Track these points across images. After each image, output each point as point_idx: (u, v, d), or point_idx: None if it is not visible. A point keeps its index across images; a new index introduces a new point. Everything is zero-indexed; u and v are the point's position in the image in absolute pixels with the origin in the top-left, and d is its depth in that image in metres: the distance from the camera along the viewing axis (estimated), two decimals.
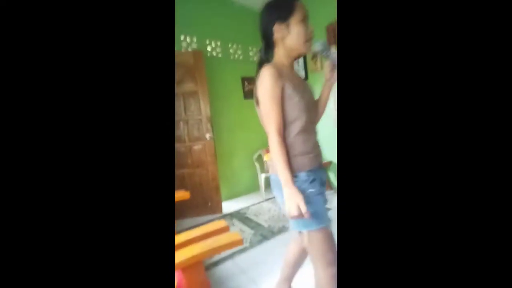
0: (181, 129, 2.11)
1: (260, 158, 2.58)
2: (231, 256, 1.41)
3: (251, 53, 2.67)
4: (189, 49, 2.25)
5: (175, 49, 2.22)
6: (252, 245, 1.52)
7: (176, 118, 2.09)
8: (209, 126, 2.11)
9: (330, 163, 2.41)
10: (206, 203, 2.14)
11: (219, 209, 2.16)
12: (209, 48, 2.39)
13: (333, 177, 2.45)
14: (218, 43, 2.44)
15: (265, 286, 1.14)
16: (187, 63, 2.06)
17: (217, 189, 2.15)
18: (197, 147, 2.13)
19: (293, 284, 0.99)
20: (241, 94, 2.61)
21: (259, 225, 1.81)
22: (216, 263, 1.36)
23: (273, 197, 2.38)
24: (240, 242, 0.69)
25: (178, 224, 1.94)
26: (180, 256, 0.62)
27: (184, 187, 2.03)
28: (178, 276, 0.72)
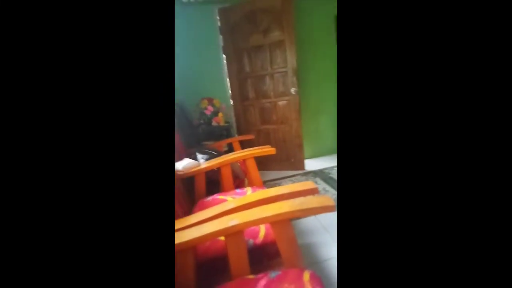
0: (266, 84, 2.08)
1: None
2: None
3: None
4: None
5: None
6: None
7: (262, 72, 2.05)
8: (295, 79, 1.95)
9: None
10: (289, 159, 2.18)
11: (302, 166, 2.16)
12: None
13: None
14: None
15: None
16: (274, 8, 1.86)
17: (300, 146, 2.11)
18: (282, 102, 2.07)
19: None
20: (333, 38, 2.19)
21: None
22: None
23: None
24: (332, 208, 0.63)
25: (261, 174, 2.12)
26: (269, 210, 0.63)
27: (268, 142, 2.10)
28: (266, 229, 0.77)
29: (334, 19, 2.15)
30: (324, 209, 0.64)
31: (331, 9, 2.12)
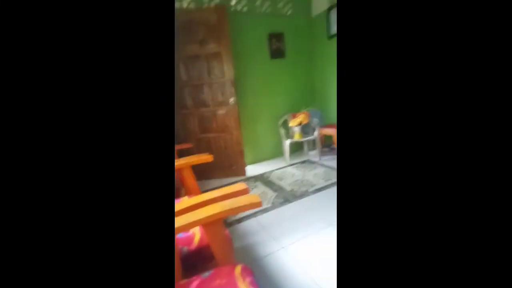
0: (205, 94, 2.11)
1: (285, 124, 2.52)
2: (254, 214, 1.50)
3: (280, 5, 2.38)
4: (211, 4, 2.08)
5: (196, 5, 2.08)
6: (274, 206, 1.59)
7: (200, 81, 2.07)
8: (233, 90, 2.05)
9: None
10: (231, 166, 2.23)
11: (243, 172, 2.25)
12: (232, 2, 2.18)
13: None
14: None
15: (284, 242, 1.21)
16: (209, 21, 1.93)
17: (241, 153, 2.20)
18: (221, 111, 2.13)
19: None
20: (267, 53, 2.43)
21: (281, 188, 1.85)
22: (240, 220, 1.46)
23: (298, 163, 2.38)
24: (259, 204, 0.70)
25: (204, 184, 2.10)
26: (202, 213, 0.66)
27: (210, 150, 2.11)
28: (201, 234, 0.79)
29: (267, 35, 2.39)
30: (252, 206, 0.70)
31: (264, 26, 2.35)
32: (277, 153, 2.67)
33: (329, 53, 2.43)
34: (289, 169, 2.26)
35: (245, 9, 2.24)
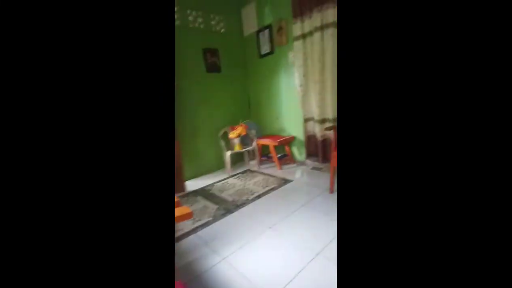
0: None
1: (225, 136, 2.56)
2: (194, 230, 1.44)
3: (213, 22, 2.49)
4: None
5: None
6: (215, 219, 1.57)
7: None
8: None
9: (293, 138, 2.52)
10: None
11: (182, 188, 2.14)
12: None
13: (296, 152, 2.58)
14: (175, 9, 2.20)
15: (225, 253, 1.21)
16: None
17: (179, 168, 2.10)
18: None
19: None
20: (204, 67, 2.46)
21: (223, 200, 1.85)
22: (180, 238, 1.38)
23: (239, 173, 2.44)
24: (189, 215, 0.70)
25: None
26: None
27: None
28: None
29: (202, 51, 2.43)
30: (183, 218, 0.69)
31: (199, 42, 2.39)
32: (219, 165, 2.67)
33: (262, 70, 2.66)
34: (231, 180, 2.29)
35: (177, 22, 2.24)
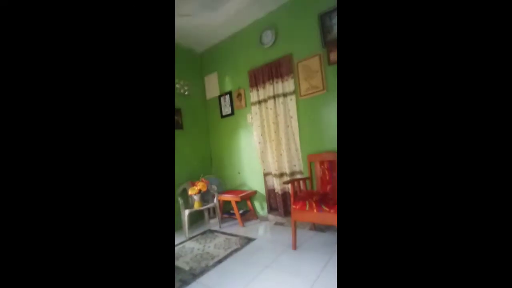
0: None
1: (184, 193, 2.43)
2: None
3: (177, 86, 2.69)
4: None
5: None
6: None
7: None
8: None
9: (255, 192, 2.54)
10: None
11: None
12: None
13: (258, 206, 2.57)
14: None
15: None
16: None
17: None
18: None
19: None
20: None
21: (178, 268, 1.62)
22: None
23: (198, 235, 2.23)
24: None
25: None
26: None
27: None
28: None
29: None
30: None
31: None
32: (176, 226, 2.41)
33: (223, 129, 2.84)
34: (188, 243, 2.07)
35: None
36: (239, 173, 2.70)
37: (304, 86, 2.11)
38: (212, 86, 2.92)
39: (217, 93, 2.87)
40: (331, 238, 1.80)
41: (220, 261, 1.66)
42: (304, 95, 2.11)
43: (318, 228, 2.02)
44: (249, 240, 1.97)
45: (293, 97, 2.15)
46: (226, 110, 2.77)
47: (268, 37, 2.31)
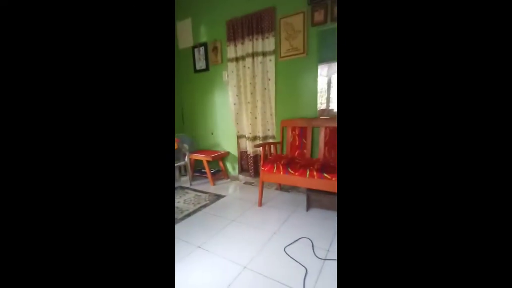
0: None
1: None
2: None
3: None
4: None
5: None
6: None
7: None
8: None
9: (228, 153, 2.57)
10: None
11: None
12: None
13: (230, 167, 2.64)
14: None
15: None
16: None
17: None
18: None
19: None
20: None
21: None
22: None
23: None
24: None
25: None
26: None
27: None
28: None
29: None
30: None
31: None
32: None
33: (196, 85, 2.66)
34: None
35: None
36: (212, 133, 2.67)
37: (284, 46, 1.99)
38: (185, 34, 2.60)
39: (190, 43, 2.58)
40: (294, 197, 1.98)
41: (188, 215, 1.74)
42: (284, 57, 2.01)
43: (283, 188, 2.19)
44: (218, 196, 2.07)
45: (273, 57, 2.04)
46: (201, 64, 2.55)
47: None
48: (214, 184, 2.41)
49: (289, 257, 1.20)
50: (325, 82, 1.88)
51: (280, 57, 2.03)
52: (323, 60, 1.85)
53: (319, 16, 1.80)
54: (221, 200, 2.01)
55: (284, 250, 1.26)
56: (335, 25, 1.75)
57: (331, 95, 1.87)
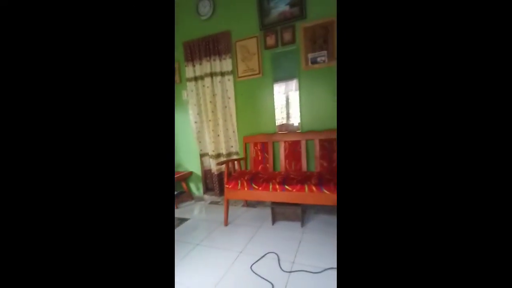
0: None
1: None
2: None
3: None
4: None
5: None
6: None
7: None
8: None
9: (191, 173, 2.49)
10: None
11: None
12: None
13: (193, 187, 2.54)
14: None
15: None
16: None
17: None
18: None
19: None
20: None
21: None
22: None
23: None
24: None
25: None
26: None
27: None
28: None
29: None
30: None
31: None
32: None
33: None
34: None
35: None
36: (174, 153, 2.57)
37: (241, 67, 2.09)
38: None
39: None
40: (260, 212, 1.99)
41: None
42: (241, 77, 2.11)
43: (250, 204, 2.19)
44: (181, 220, 1.96)
45: (231, 77, 2.12)
46: None
47: (205, 7, 2.13)
48: (177, 208, 2.28)
49: (255, 274, 1.19)
50: (284, 98, 2.01)
51: (238, 77, 2.12)
52: (278, 79, 2.00)
53: (270, 40, 1.97)
54: (185, 223, 1.91)
55: (251, 268, 1.24)
56: (286, 48, 1.93)
57: (290, 111, 2.00)
